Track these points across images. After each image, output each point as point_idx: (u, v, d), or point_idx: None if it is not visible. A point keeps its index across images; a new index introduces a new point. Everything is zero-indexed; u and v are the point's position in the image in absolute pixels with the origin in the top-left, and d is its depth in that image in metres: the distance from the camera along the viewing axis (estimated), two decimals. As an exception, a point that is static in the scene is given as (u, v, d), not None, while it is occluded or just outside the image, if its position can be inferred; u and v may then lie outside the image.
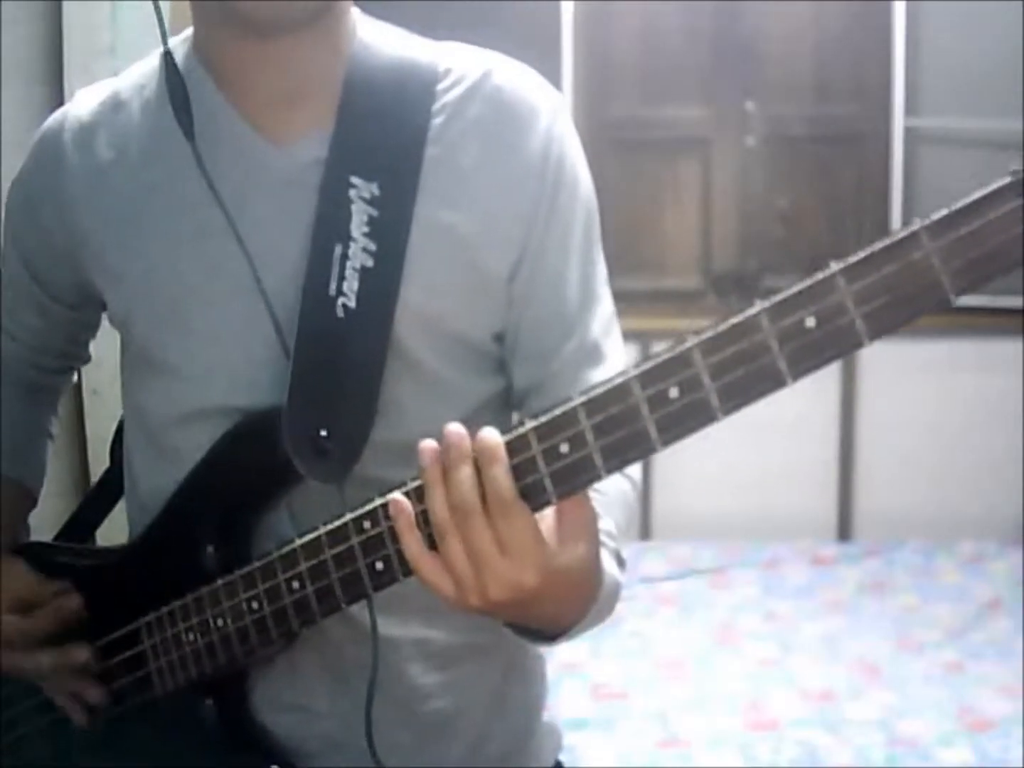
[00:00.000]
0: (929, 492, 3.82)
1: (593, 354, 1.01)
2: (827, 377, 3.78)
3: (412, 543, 0.80)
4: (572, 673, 2.93)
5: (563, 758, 1.19)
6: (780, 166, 4.01)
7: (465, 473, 0.77)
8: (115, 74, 1.10)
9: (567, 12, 3.85)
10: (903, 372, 3.76)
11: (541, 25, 3.79)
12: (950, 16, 3.78)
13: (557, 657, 3.03)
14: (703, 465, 3.54)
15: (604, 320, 1.03)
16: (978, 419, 3.81)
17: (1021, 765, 2.55)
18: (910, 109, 3.85)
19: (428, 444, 0.79)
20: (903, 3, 3.79)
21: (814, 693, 2.91)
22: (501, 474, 0.77)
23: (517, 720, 1.13)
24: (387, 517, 0.84)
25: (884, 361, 3.71)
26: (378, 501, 0.85)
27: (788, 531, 3.78)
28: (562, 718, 2.82)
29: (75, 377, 1.27)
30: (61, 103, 2.10)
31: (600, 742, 2.69)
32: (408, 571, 0.83)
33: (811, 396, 3.68)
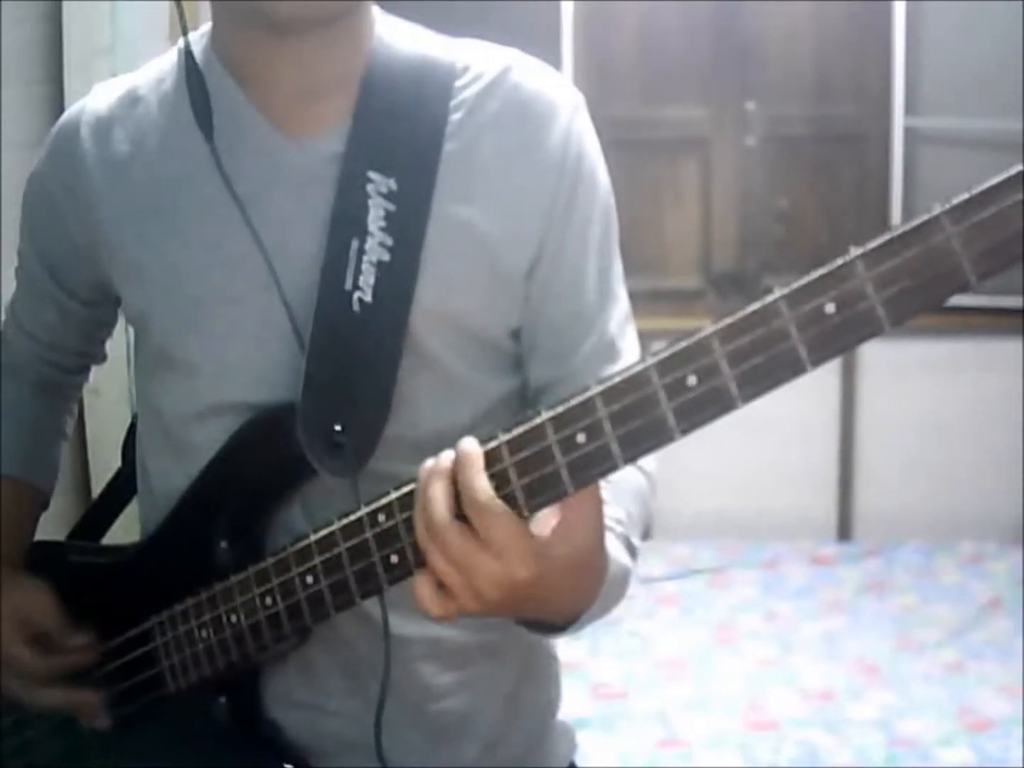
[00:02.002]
0: (929, 492, 3.82)
1: (610, 352, 1.01)
2: (827, 377, 3.79)
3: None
4: (572, 673, 2.93)
5: (576, 759, 1.19)
6: (780, 166, 4.01)
7: (434, 490, 0.79)
8: (114, 74, 1.10)
9: (567, 12, 3.85)
10: (903, 372, 3.75)
11: (541, 25, 3.78)
12: (950, 16, 3.78)
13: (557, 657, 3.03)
14: (703, 465, 3.53)
15: (621, 318, 1.03)
16: (978, 419, 3.80)
17: (1021, 765, 2.55)
18: (910, 109, 3.85)
19: (423, 465, 0.81)
20: (903, 3, 3.79)
21: (814, 693, 2.91)
22: (473, 477, 0.78)
23: (531, 721, 1.13)
24: (402, 510, 0.84)
25: (884, 361, 3.71)
26: (393, 494, 0.85)
27: (788, 531, 3.78)
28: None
29: (90, 376, 1.26)
30: (61, 103, 2.10)
31: (600, 742, 2.69)
32: (422, 563, 0.83)
33: (811, 396, 3.68)
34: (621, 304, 1.04)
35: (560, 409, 0.77)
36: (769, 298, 0.70)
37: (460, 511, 0.79)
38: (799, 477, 3.86)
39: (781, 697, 2.89)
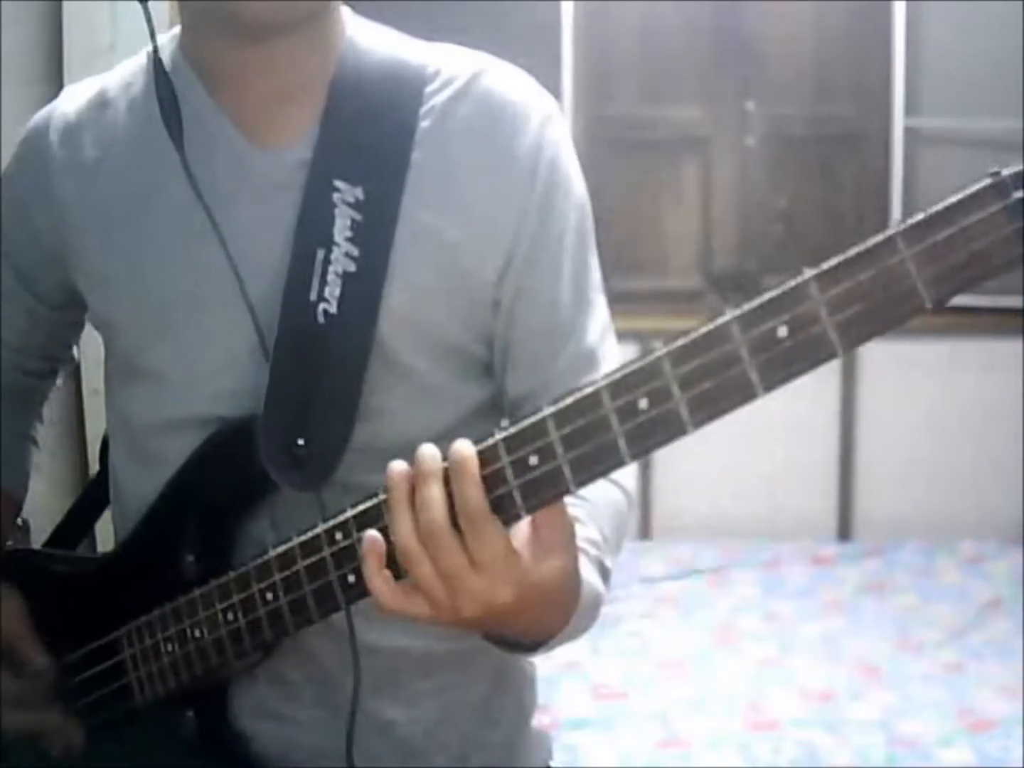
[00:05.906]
0: (929, 492, 3.82)
1: (590, 361, 0.99)
2: (827, 377, 3.78)
3: (380, 584, 0.79)
4: (572, 673, 2.93)
5: (564, 759, 1.17)
6: (780, 166, 4.00)
7: (434, 492, 0.76)
8: (113, 73, 1.09)
9: (567, 12, 3.85)
10: (903, 372, 3.75)
11: (541, 25, 3.78)
12: (950, 16, 3.78)
13: (557, 657, 3.02)
14: (703, 465, 3.53)
15: (600, 326, 1.01)
16: (978, 419, 3.80)
17: (1021, 765, 2.55)
18: (910, 109, 3.85)
19: (395, 466, 0.78)
20: (903, 3, 3.78)
21: (814, 693, 2.90)
22: (471, 488, 0.75)
23: (505, 729, 1.11)
24: (359, 528, 0.82)
25: (884, 361, 3.70)
26: (349, 512, 0.84)
27: (788, 531, 3.78)
28: (562, 718, 2.81)
29: (59, 380, 1.25)
30: (61, 103, 2.10)
31: (600, 742, 2.68)
32: None
33: (811, 396, 3.68)
34: (599, 312, 1.02)
35: (512, 430, 0.75)
36: (721, 320, 0.69)
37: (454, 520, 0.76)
38: (799, 477, 3.86)
39: (781, 697, 2.88)
